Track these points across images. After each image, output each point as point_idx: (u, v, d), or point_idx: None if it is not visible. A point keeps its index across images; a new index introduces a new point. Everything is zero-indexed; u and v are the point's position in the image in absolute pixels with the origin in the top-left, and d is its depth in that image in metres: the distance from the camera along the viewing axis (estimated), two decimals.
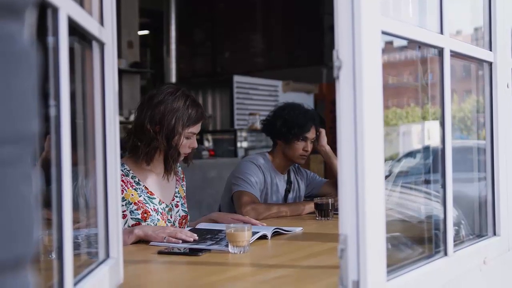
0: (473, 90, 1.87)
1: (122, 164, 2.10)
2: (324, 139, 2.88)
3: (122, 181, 2.06)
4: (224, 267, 1.60)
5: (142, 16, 8.20)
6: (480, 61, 1.71)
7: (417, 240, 1.60)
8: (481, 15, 1.73)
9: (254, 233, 1.88)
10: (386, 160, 2.02)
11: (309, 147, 2.78)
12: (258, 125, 6.78)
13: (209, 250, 1.76)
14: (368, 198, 1.06)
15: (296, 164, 2.93)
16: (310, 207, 2.60)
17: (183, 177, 2.34)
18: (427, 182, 1.76)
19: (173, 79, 8.45)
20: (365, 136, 1.05)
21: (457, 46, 1.49)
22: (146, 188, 2.12)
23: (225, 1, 9.85)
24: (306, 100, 7.60)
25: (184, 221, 2.24)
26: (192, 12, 10.13)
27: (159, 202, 2.14)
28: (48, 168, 0.92)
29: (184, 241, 1.86)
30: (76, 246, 1.24)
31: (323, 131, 2.88)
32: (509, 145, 1.75)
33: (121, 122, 5.73)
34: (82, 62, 1.21)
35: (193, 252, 1.73)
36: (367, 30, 1.06)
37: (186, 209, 2.27)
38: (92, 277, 1.09)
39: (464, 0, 2.00)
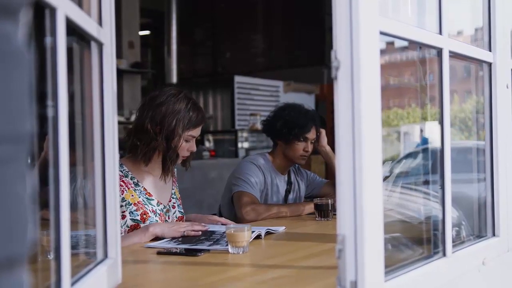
0: (474, 91, 1.87)
1: (121, 165, 2.11)
2: (324, 140, 2.88)
3: (123, 181, 2.08)
4: (223, 267, 1.60)
5: (143, 16, 8.20)
6: (479, 62, 1.71)
7: (416, 240, 1.59)
8: (481, 16, 1.73)
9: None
10: (386, 160, 2.03)
11: (310, 147, 2.78)
12: (259, 126, 6.78)
13: (208, 250, 1.76)
14: (366, 198, 1.06)
15: (297, 165, 2.93)
16: (310, 207, 2.60)
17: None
18: (427, 182, 1.76)
19: (174, 79, 8.45)
20: (363, 136, 1.05)
21: (456, 46, 1.48)
22: (145, 189, 2.13)
23: (226, 1, 9.85)
24: (307, 101, 7.61)
25: (180, 222, 2.25)
26: (193, 12, 10.14)
27: (157, 204, 2.15)
28: (47, 168, 0.92)
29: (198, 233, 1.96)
30: (75, 246, 1.24)
31: (323, 132, 2.88)
32: (509, 146, 1.75)
33: (121, 123, 5.73)
34: (81, 62, 1.21)
35: (192, 252, 1.73)
36: (365, 31, 1.06)
37: (182, 210, 2.29)
38: (90, 277, 1.09)
39: (464, 1, 2.00)
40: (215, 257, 1.70)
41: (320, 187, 2.97)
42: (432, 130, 1.64)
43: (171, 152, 2.11)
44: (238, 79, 7.90)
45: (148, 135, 2.08)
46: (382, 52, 1.27)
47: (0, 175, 0.52)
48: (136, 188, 2.11)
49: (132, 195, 2.08)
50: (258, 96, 8.04)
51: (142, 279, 1.49)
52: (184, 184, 5.21)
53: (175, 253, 1.75)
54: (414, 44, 1.48)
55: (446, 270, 1.41)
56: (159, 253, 1.76)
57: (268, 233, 2.08)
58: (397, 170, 2.06)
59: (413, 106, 2.05)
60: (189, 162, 2.24)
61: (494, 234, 1.70)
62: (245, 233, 1.72)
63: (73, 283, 0.99)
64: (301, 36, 9.26)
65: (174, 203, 2.26)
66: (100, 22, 1.23)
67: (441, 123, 1.41)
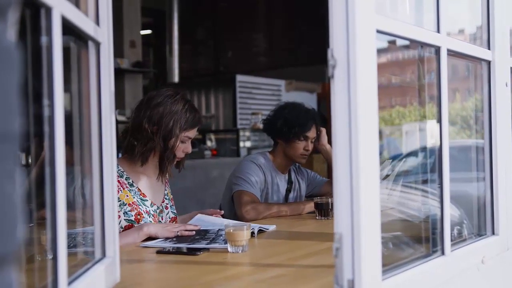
0: (474, 89, 1.87)
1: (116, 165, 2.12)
2: (324, 138, 2.88)
3: (118, 181, 2.08)
4: (222, 266, 1.60)
5: (145, 16, 8.19)
6: (478, 60, 1.71)
7: (415, 239, 1.59)
8: (480, 14, 1.72)
9: None
10: (387, 159, 2.03)
11: (310, 146, 2.78)
12: (260, 125, 6.77)
13: (207, 249, 1.76)
14: (363, 197, 1.06)
15: (297, 164, 2.93)
16: (310, 206, 2.60)
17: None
18: (427, 181, 1.76)
19: (176, 78, 8.45)
20: (360, 135, 1.05)
21: (454, 44, 1.48)
22: (139, 190, 2.15)
23: (228, 0, 9.84)
24: (309, 99, 7.60)
25: (173, 222, 2.26)
26: (194, 12, 10.13)
27: (150, 204, 2.16)
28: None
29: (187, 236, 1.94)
30: (73, 245, 1.25)
31: (323, 130, 2.87)
32: (508, 144, 1.74)
33: (123, 122, 5.72)
34: (79, 62, 1.21)
35: (191, 251, 1.73)
36: (361, 29, 1.06)
37: (175, 211, 2.31)
38: (87, 276, 1.09)
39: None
40: (214, 256, 1.70)
41: (321, 186, 2.97)
42: (432, 128, 1.64)
43: (168, 152, 2.12)
44: (239, 78, 7.89)
45: (146, 135, 2.09)
46: (384, 50, 1.27)
47: None
48: (131, 189, 2.12)
49: (127, 196, 2.10)
50: (260, 95, 8.03)
51: (140, 278, 1.50)
52: (186, 183, 5.22)
53: (174, 252, 1.75)
54: (414, 43, 1.48)
55: (445, 268, 1.40)
56: (158, 252, 1.76)
57: (260, 231, 2.09)
58: (397, 169, 2.06)
59: (414, 105, 2.04)
60: (183, 163, 2.25)
61: (493, 233, 1.70)
62: (244, 232, 1.72)
63: (70, 282, 0.99)
64: (303, 35, 9.25)
65: (167, 204, 2.28)
66: (97, 21, 1.23)
67: (439, 121, 1.41)
